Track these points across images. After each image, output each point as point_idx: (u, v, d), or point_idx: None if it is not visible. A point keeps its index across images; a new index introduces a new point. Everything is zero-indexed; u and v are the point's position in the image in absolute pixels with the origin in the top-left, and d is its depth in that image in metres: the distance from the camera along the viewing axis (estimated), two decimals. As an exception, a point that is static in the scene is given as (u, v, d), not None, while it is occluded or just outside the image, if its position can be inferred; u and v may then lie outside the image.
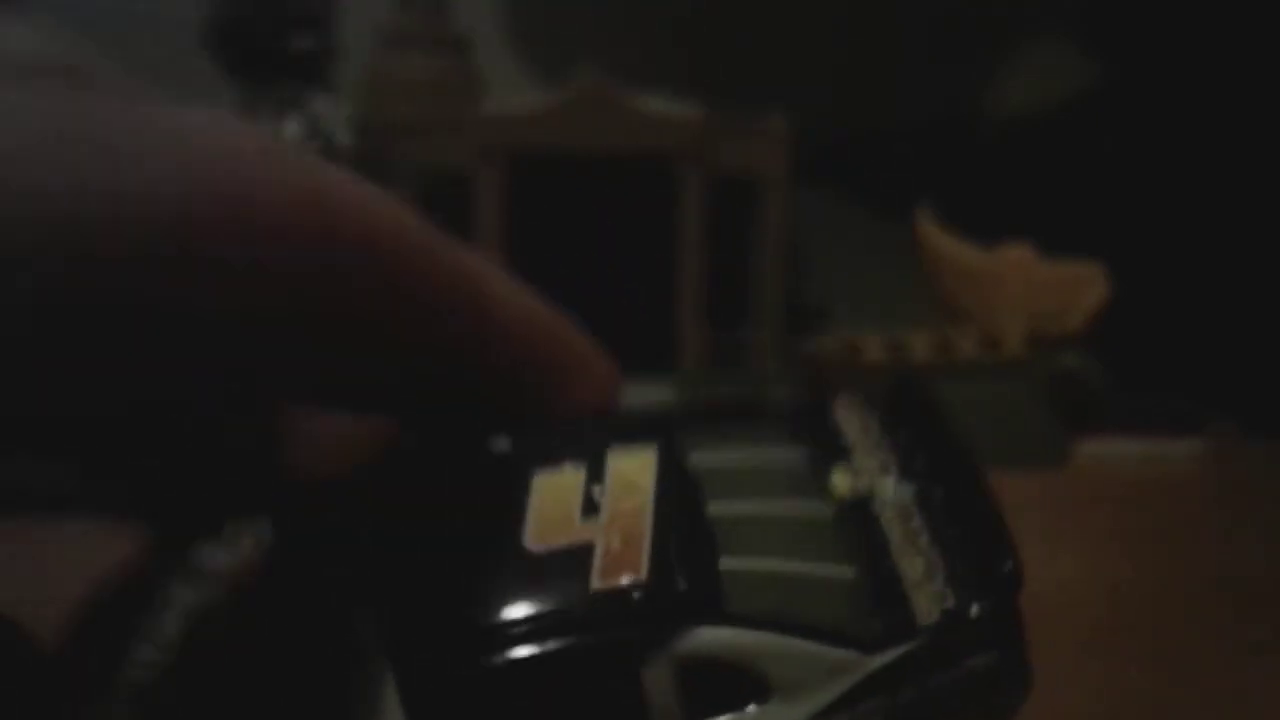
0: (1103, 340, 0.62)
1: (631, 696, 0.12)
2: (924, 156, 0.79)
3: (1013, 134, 0.82)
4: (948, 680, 0.13)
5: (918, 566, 0.13)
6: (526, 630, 0.12)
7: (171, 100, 0.13)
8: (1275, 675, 0.35)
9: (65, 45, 0.12)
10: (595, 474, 0.14)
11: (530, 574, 0.13)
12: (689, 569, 0.13)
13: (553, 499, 0.14)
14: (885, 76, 0.82)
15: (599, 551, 0.13)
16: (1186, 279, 0.67)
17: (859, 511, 0.14)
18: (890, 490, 0.14)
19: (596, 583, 0.13)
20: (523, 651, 0.12)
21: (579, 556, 0.13)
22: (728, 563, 0.13)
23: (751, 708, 0.13)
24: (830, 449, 0.15)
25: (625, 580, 0.13)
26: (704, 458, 0.15)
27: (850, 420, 0.15)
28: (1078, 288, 0.63)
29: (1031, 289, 0.64)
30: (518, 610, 0.12)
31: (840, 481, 0.14)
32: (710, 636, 0.12)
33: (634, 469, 0.14)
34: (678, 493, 0.14)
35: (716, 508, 0.14)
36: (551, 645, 0.12)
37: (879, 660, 0.13)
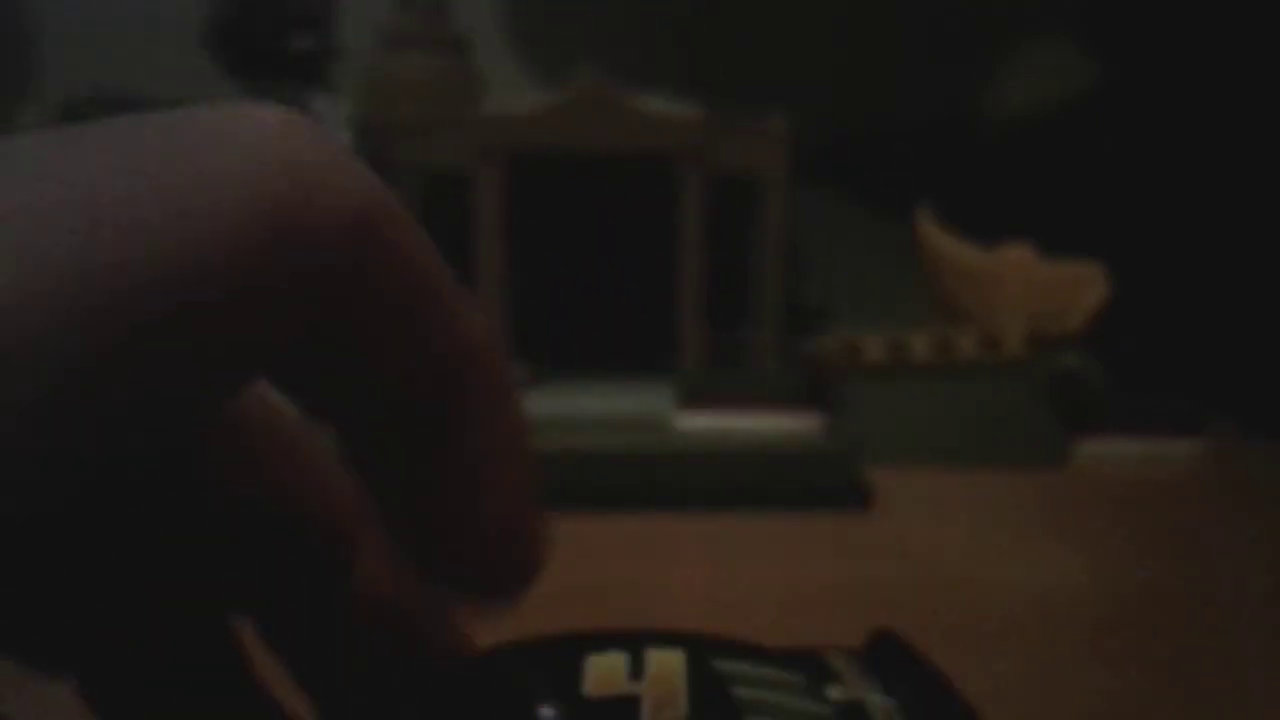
0: (1103, 340, 0.62)
1: None
2: (924, 156, 0.79)
3: (1013, 134, 0.82)
4: None
5: None
6: None
7: (172, 101, 0.13)
8: (1275, 675, 0.36)
9: None
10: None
11: None
12: None
13: None
14: (885, 76, 0.82)
15: None
16: (1186, 279, 0.67)
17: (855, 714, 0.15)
18: (878, 701, 0.15)
19: None
20: None
21: None
22: None
23: None
24: (822, 675, 0.16)
25: None
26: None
27: (837, 657, 0.16)
28: (1078, 288, 0.63)
29: (1031, 289, 0.64)
30: None
31: (835, 691, 0.15)
32: None
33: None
34: None
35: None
36: None
37: None
